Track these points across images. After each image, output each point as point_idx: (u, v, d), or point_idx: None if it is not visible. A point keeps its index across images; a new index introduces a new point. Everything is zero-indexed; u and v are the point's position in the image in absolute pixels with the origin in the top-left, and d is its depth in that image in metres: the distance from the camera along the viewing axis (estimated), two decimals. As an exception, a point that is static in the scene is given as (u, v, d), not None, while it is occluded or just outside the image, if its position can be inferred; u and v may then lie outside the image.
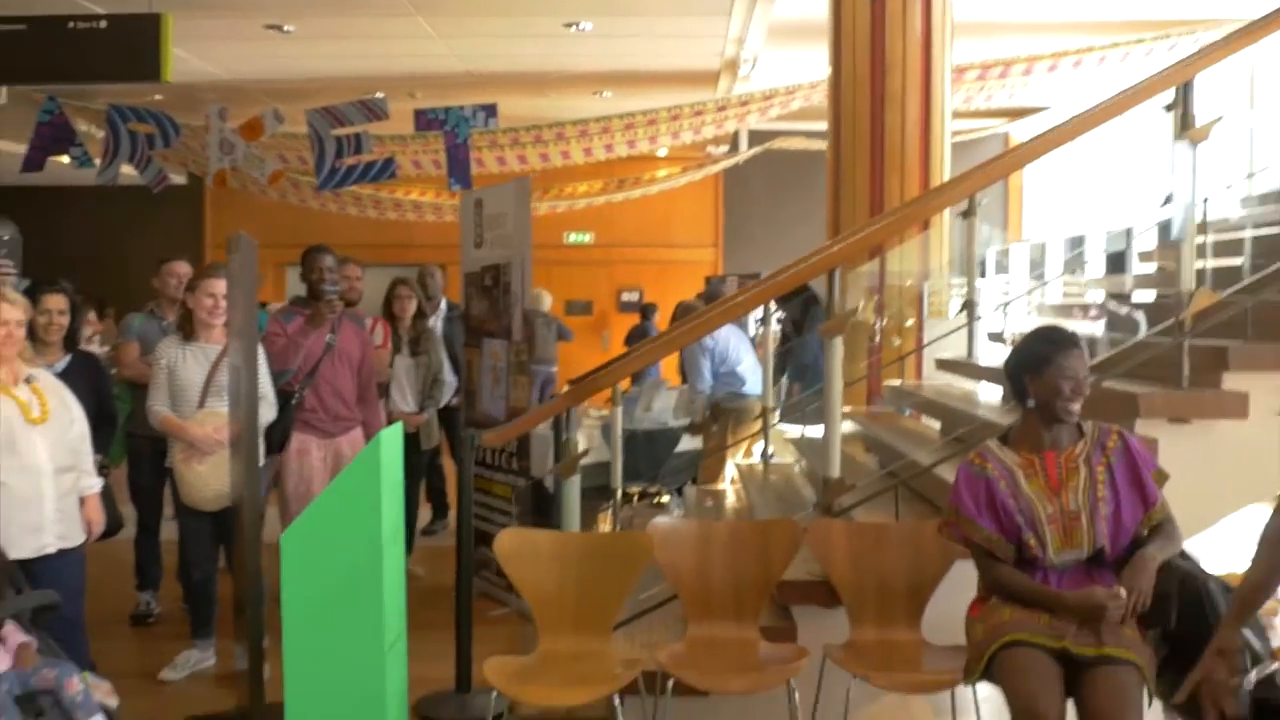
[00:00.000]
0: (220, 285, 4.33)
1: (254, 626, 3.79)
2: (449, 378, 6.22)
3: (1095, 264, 10.07)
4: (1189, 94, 3.78)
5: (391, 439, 3.35)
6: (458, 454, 4.68)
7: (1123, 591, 2.75)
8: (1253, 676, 2.59)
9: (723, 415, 6.21)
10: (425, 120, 7.67)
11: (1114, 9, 8.75)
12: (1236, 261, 4.80)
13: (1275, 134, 7.45)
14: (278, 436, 4.57)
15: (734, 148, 12.43)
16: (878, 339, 6.55)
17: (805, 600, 3.68)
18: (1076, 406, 2.92)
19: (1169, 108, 3.87)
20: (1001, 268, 10.81)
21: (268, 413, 4.30)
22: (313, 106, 7.48)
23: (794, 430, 6.27)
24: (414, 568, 5.67)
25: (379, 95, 7.83)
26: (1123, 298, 7.65)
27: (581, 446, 4.25)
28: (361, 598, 3.22)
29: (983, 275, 10.53)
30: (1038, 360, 2.93)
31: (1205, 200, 5.37)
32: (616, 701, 3.16)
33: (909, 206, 5.54)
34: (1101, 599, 2.74)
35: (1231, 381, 3.63)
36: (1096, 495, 2.87)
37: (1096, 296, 8.77)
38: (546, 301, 10.35)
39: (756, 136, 11.86)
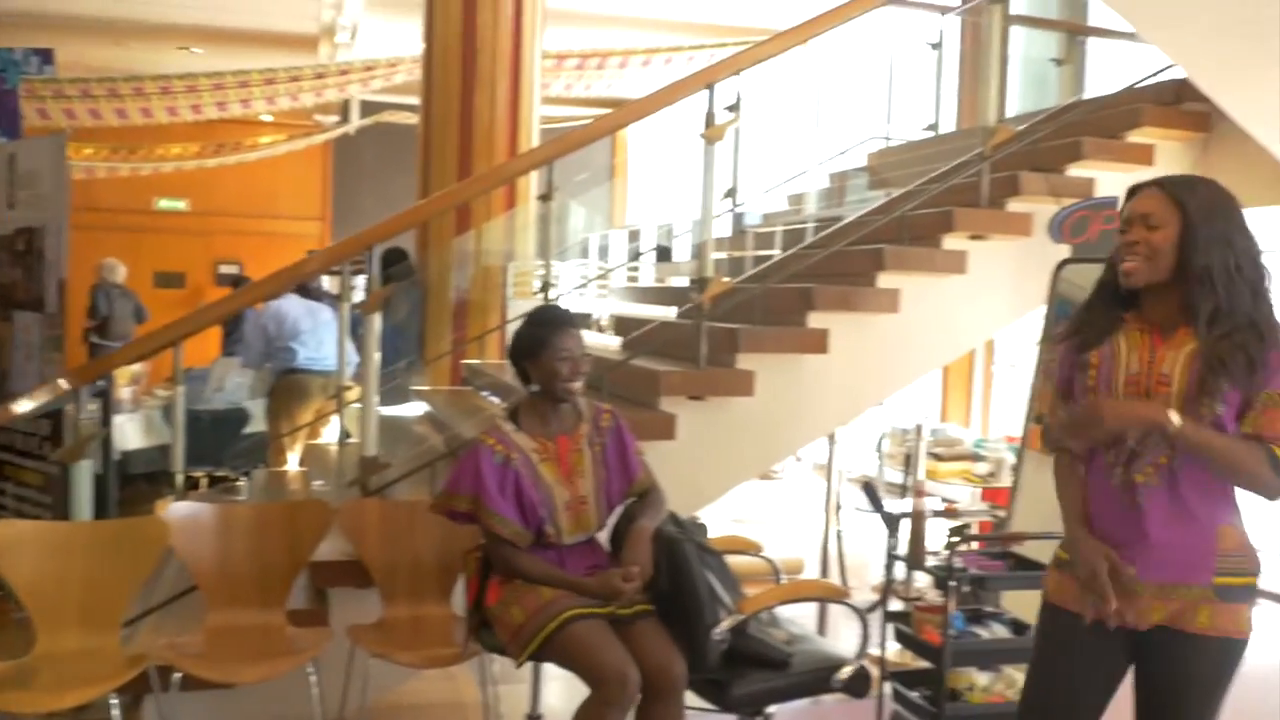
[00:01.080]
0: None
1: None
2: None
3: (682, 250, 10.77)
4: (713, 96, 4.10)
5: None
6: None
7: (635, 569, 2.89)
8: (723, 627, 2.88)
9: (278, 392, 5.98)
10: (-33, 61, 6.79)
11: (700, 12, 9.34)
12: (774, 253, 5.31)
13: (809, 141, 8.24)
14: None
15: (344, 118, 12.03)
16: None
17: (338, 582, 3.63)
18: (577, 385, 2.99)
19: (729, 108, 4.19)
20: (603, 253, 11.27)
21: None
22: None
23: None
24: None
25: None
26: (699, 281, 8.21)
27: (131, 428, 3.95)
28: None
29: (585, 258, 11.01)
30: (534, 344, 2.97)
31: (734, 195, 5.87)
32: (113, 701, 2.96)
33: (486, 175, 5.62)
34: (618, 584, 2.86)
35: (742, 361, 4.00)
36: (599, 477, 3.01)
37: (681, 281, 9.37)
38: (120, 273, 9.50)
39: (368, 107, 11.54)
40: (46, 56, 7.04)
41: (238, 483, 6.29)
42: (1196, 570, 2.14)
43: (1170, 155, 4.79)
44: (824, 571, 4.77)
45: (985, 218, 4.43)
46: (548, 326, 2.99)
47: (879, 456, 7.00)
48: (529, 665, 3.09)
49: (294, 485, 5.35)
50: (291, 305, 5.95)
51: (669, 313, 7.06)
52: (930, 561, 2.93)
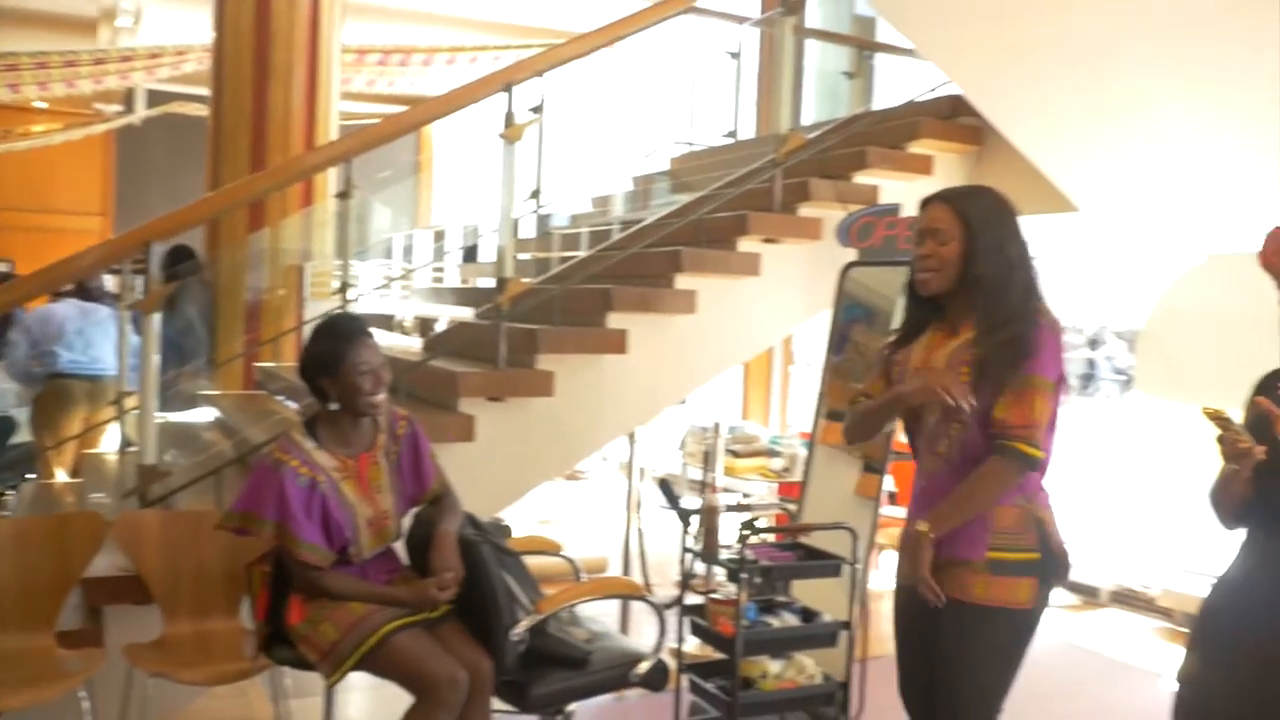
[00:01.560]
0: None
1: None
2: None
3: (489, 251, 10.69)
4: (512, 97, 4.09)
5: None
6: None
7: (449, 576, 2.84)
8: (521, 628, 2.87)
9: (41, 399, 5.59)
10: None
11: (507, 12, 9.30)
12: (581, 253, 5.35)
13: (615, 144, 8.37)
14: None
15: (129, 107, 11.34)
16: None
17: (114, 599, 3.42)
18: (380, 398, 2.87)
19: (534, 109, 4.18)
20: (407, 253, 11.06)
21: None
22: None
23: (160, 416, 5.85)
24: None
25: None
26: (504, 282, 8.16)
27: None
28: None
29: (389, 258, 10.77)
30: (330, 359, 2.81)
31: (538, 196, 5.88)
32: None
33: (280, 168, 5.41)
34: (433, 593, 2.81)
35: (542, 362, 4.01)
36: (396, 488, 2.95)
37: (487, 282, 9.30)
38: None
39: (156, 97, 10.92)
40: None
41: (4, 497, 5.84)
42: (973, 546, 2.32)
43: (947, 166, 5.10)
44: (626, 569, 4.83)
45: (777, 222, 4.60)
46: (343, 340, 2.83)
47: (681, 454, 7.15)
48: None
49: (67, 498, 5.00)
50: (61, 305, 5.57)
51: (470, 313, 7.03)
52: (723, 555, 3.01)
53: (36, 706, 2.96)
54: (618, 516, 6.61)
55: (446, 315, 6.04)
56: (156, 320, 3.66)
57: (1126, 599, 5.78)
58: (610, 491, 8.09)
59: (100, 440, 5.49)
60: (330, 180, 6.06)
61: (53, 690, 2.92)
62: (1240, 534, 2.12)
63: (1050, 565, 2.36)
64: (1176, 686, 2.16)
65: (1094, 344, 14.47)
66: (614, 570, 4.99)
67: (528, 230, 8.07)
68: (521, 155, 4.15)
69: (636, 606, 4.46)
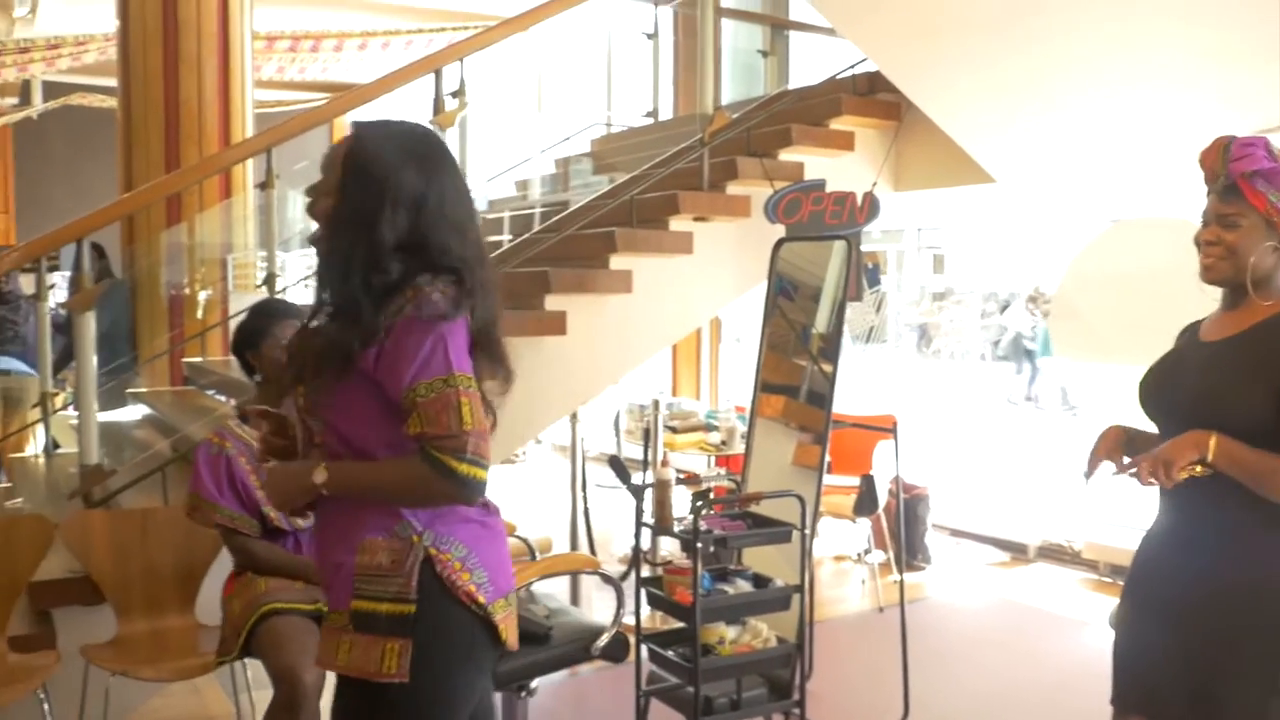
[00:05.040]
0: None
1: None
2: None
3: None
4: (439, 82, 4.11)
5: None
6: None
7: None
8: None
9: None
10: None
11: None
12: (505, 238, 5.37)
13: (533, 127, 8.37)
14: None
15: (25, 100, 10.95)
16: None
17: (64, 601, 3.38)
18: None
19: (454, 94, 4.18)
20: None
21: None
22: None
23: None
24: None
25: None
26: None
27: None
28: None
29: (308, 247, 10.61)
30: (254, 334, 2.97)
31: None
32: None
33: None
34: None
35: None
36: None
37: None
38: None
39: (54, 89, 10.56)
40: None
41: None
42: (331, 593, 1.81)
43: (867, 141, 5.24)
44: (574, 547, 4.90)
45: (707, 200, 4.68)
46: (269, 317, 2.98)
47: (616, 433, 7.23)
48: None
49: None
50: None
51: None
52: (677, 527, 3.09)
53: (-7, 714, 2.93)
54: (557, 497, 6.67)
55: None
56: (90, 319, 3.60)
57: (1053, 554, 6.04)
58: (548, 472, 8.14)
59: (26, 444, 5.37)
60: (249, 171, 5.99)
61: (11, 693, 2.89)
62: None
63: None
64: (1113, 632, 2.23)
65: (1005, 309, 14.96)
66: (560, 549, 5.04)
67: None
68: (448, 140, 4.16)
69: (587, 582, 4.54)
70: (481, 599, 1.77)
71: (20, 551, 3.17)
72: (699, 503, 3.13)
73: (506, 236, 5.38)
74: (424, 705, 1.74)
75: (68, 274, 6.71)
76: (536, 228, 5.34)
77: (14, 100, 11.13)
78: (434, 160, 1.83)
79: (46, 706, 2.96)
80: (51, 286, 5.14)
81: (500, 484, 7.11)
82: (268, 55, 8.99)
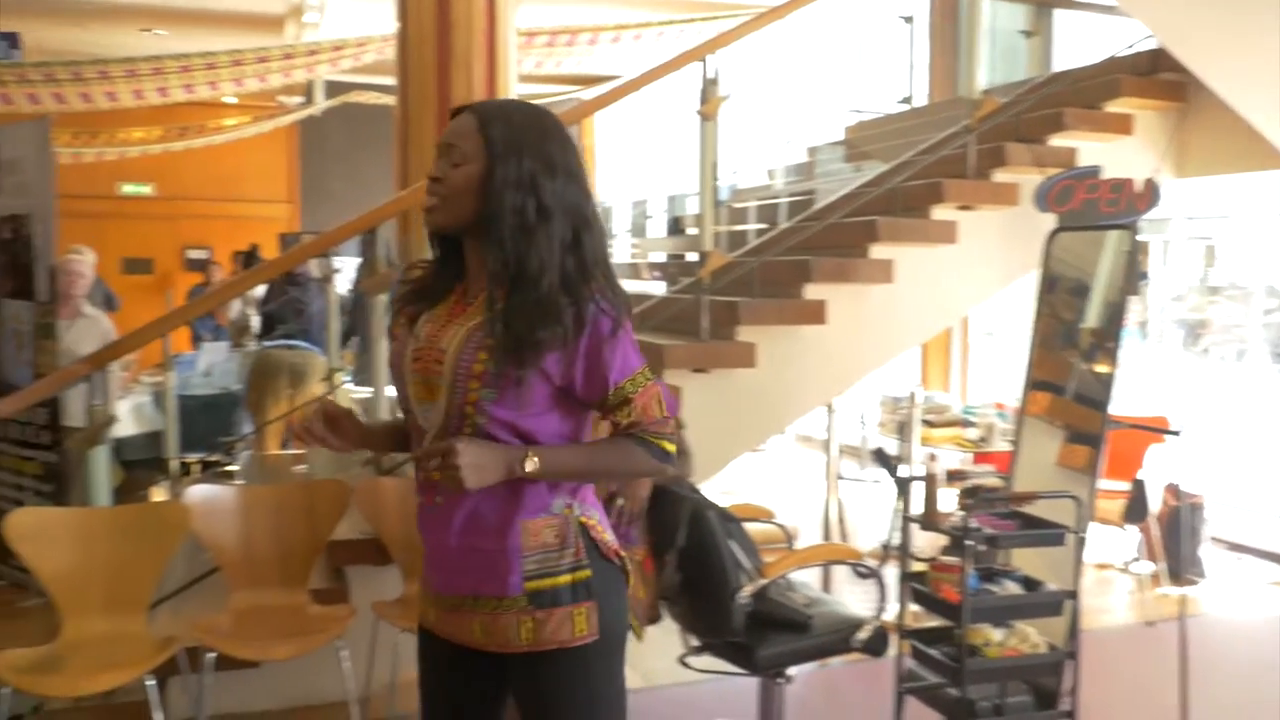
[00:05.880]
0: None
1: None
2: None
3: (657, 226, 10.83)
4: (705, 71, 4.16)
5: None
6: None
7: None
8: (747, 592, 2.96)
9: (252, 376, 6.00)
10: (-70, 47, 6.66)
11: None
12: (752, 226, 5.39)
13: (802, 113, 8.35)
14: None
15: (309, 98, 11.89)
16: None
17: (357, 560, 3.68)
18: None
19: (711, 83, 4.24)
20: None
21: None
22: None
23: (365, 391, 6.18)
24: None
25: None
26: (677, 258, 8.28)
27: (122, 415, 3.93)
28: None
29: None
30: None
31: (735, 171, 5.93)
32: (151, 682, 2.99)
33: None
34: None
35: (743, 333, 4.08)
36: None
37: (657, 256, 9.44)
38: (89, 260, 9.36)
39: (334, 88, 11.42)
40: (13, 41, 6.94)
41: (230, 467, 6.27)
42: (502, 580, 1.81)
43: (1148, 124, 4.92)
44: (825, 538, 4.87)
45: (973, 188, 4.53)
46: None
47: (862, 425, 7.12)
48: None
49: (290, 467, 5.35)
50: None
51: (656, 288, 7.14)
52: (945, 523, 3.03)
53: (296, 659, 3.23)
54: (800, 487, 6.65)
55: (629, 290, 6.17)
56: (381, 301, 3.88)
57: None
58: (789, 462, 8.13)
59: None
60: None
61: (315, 641, 3.18)
62: None
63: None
64: None
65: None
66: (807, 539, 5.03)
67: (695, 206, 8.18)
68: (699, 130, 4.19)
69: (838, 574, 4.50)
70: (623, 553, 1.92)
71: (321, 512, 3.47)
72: (968, 499, 3.05)
73: (755, 225, 5.41)
74: (612, 654, 1.88)
75: (348, 259, 7.25)
76: (783, 217, 5.33)
77: (299, 99, 12.10)
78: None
79: (345, 653, 3.23)
80: (337, 271, 5.59)
81: (742, 473, 7.19)
82: (526, 51, 9.35)
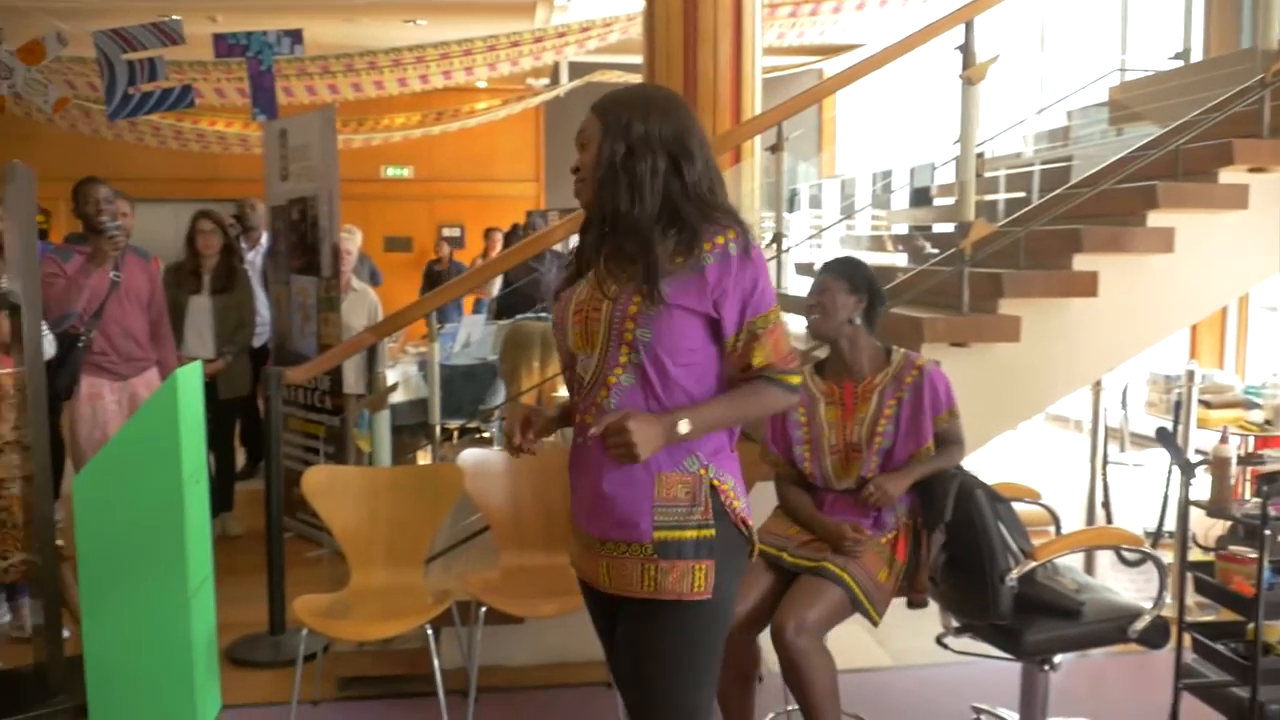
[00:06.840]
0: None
1: (47, 578, 3.63)
2: (267, 315, 5.98)
3: (900, 198, 10.53)
4: (970, 34, 3.99)
5: (190, 376, 3.26)
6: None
7: (868, 533, 2.90)
8: (1015, 574, 2.85)
9: (506, 346, 6.25)
10: (226, 46, 7.26)
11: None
12: (1003, 196, 5.15)
13: (1058, 75, 7.89)
14: (65, 382, 4.32)
15: (554, 80, 12.30)
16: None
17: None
18: (814, 317, 3.03)
19: (960, 48, 4.09)
20: (815, 202, 11.15)
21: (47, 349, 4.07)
22: (100, 28, 7.00)
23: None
24: (230, 524, 5.52)
25: (174, 18, 7.39)
26: (923, 229, 8.04)
27: (391, 382, 4.22)
28: (163, 541, 3.14)
29: (795, 209, 10.93)
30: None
31: (991, 138, 5.69)
32: (430, 631, 3.20)
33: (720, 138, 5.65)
34: (847, 534, 2.87)
35: (1006, 306, 3.91)
36: (876, 429, 2.97)
37: (900, 229, 9.20)
38: (358, 239, 10.07)
39: (577, 69, 11.76)
40: (297, 37, 7.45)
41: (486, 434, 6.62)
42: (633, 526, 1.93)
43: None
44: (1090, 521, 4.63)
45: (1270, 148, 4.15)
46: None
47: (1124, 405, 6.71)
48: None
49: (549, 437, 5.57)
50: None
51: (898, 259, 6.96)
52: (1238, 510, 2.81)
53: (556, 618, 3.35)
54: (1055, 468, 6.33)
55: (877, 262, 6.03)
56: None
57: None
58: (1041, 443, 7.76)
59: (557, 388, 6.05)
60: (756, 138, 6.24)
61: (575, 602, 3.22)
62: None
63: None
64: None
65: None
66: (1070, 523, 4.81)
67: (947, 174, 7.89)
68: (952, 95, 4.03)
69: (1101, 560, 4.27)
70: (750, 522, 2.00)
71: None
72: (1265, 486, 2.81)
73: (1006, 195, 5.16)
74: (720, 615, 1.97)
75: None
76: (1036, 185, 5.05)
77: (545, 81, 12.54)
78: None
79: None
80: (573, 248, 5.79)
81: (1003, 452, 6.93)
82: (769, 23, 9.30)
